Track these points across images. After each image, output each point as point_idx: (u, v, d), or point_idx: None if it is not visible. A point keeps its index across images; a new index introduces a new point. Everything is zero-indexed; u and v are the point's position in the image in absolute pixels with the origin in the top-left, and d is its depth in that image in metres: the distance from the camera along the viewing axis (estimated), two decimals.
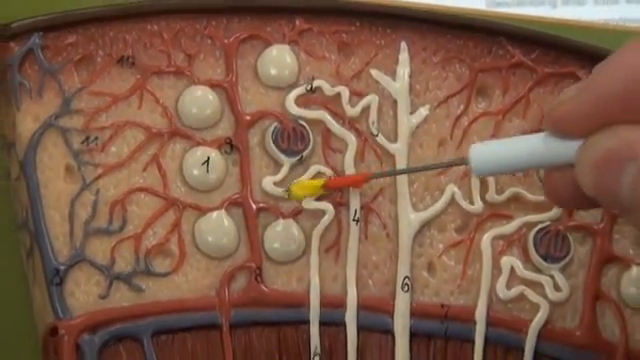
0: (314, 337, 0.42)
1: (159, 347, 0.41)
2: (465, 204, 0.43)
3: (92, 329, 0.40)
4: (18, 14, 0.41)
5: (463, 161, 0.37)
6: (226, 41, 0.43)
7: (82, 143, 0.41)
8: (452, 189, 0.43)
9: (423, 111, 0.44)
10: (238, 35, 0.43)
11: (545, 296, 0.43)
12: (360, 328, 0.42)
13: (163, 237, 0.41)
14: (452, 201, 0.44)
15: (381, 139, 0.43)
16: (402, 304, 0.42)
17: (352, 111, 0.43)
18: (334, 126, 0.43)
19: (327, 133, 0.43)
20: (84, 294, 0.41)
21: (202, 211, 0.42)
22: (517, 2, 0.55)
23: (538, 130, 0.40)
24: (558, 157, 0.35)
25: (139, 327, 0.41)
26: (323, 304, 0.42)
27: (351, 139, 0.43)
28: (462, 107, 0.44)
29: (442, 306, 0.43)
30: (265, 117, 0.43)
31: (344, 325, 0.42)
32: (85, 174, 0.41)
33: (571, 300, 0.44)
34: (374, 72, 0.44)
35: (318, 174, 0.42)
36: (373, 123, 0.43)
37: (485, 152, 0.36)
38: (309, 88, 0.43)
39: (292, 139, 0.42)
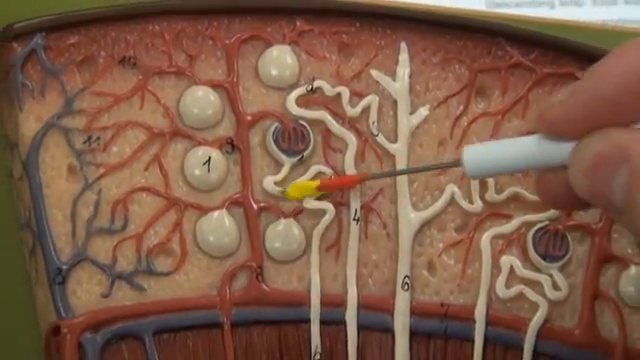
0: (315, 336, 0.42)
1: (161, 346, 0.41)
2: (465, 204, 0.44)
3: (94, 328, 0.40)
4: (20, 15, 0.42)
5: (457, 163, 0.37)
6: (227, 42, 0.43)
7: (84, 143, 0.41)
8: (452, 189, 0.44)
9: (423, 111, 0.44)
10: (239, 36, 0.43)
11: (544, 295, 0.43)
12: (360, 327, 0.42)
13: (165, 236, 0.42)
14: (452, 201, 0.44)
15: (381, 139, 0.43)
16: (402, 303, 0.43)
17: (352, 111, 0.43)
18: (334, 126, 0.43)
19: (327, 133, 0.43)
20: (86, 293, 0.41)
21: (203, 211, 0.42)
22: (516, 3, 0.55)
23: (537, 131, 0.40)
24: (551, 159, 0.35)
25: (141, 326, 0.41)
26: (324, 303, 0.42)
27: (351, 139, 0.43)
28: (462, 107, 0.44)
29: (442, 305, 0.43)
30: (266, 117, 0.43)
31: (344, 324, 0.42)
32: (87, 174, 0.41)
33: (570, 299, 0.44)
34: (374, 72, 0.44)
35: (318, 174, 0.43)
36: (373, 123, 0.43)
37: (478, 154, 0.36)
38: (310, 88, 0.43)
39: (293, 139, 0.43)
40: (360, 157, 0.43)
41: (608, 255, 0.44)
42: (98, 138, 0.42)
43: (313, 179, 0.42)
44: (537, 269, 0.44)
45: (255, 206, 0.42)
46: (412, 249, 0.43)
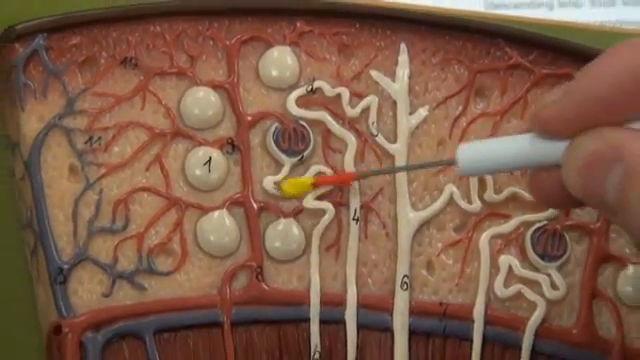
0: (314, 335, 0.42)
1: (161, 345, 0.41)
2: (463, 204, 0.44)
3: (95, 327, 0.40)
4: (22, 16, 0.42)
5: (451, 161, 0.37)
6: (228, 42, 0.43)
7: (86, 143, 0.42)
8: (451, 189, 0.44)
9: (422, 112, 0.44)
10: (240, 37, 0.43)
11: (542, 294, 0.43)
12: (360, 326, 0.42)
13: (165, 236, 0.42)
14: (451, 201, 0.44)
15: (381, 139, 0.43)
16: (401, 302, 0.43)
17: (352, 112, 0.43)
18: (334, 126, 0.43)
19: (327, 133, 0.43)
20: (87, 292, 0.41)
21: (204, 210, 0.42)
22: (515, 4, 0.55)
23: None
24: (545, 157, 0.35)
25: (142, 325, 0.41)
26: (323, 302, 0.42)
27: (351, 139, 0.43)
28: (461, 108, 0.44)
29: (441, 304, 0.43)
30: (266, 118, 0.43)
31: (344, 323, 0.42)
32: (88, 174, 0.41)
33: (568, 298, 0.44)
34: (374, 73, 0.44)
35: (318, 174, 0.43)
36: (373, 123, 0.43)
37: (472, 152, 0.36)
38: (310, 89, 0.43)
39: (293, 139, 0.43)
40: (360, 157, 0.43)
41: (606, 255, 0.44)
42: (99, 138, 0.42)
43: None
44: (535, 269, 0.44)
45: (255, 206, 0.42)
46: (411, 249, 0.43)
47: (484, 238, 0.44)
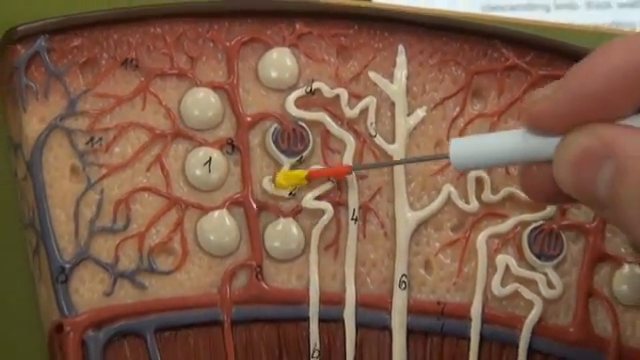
0: (313, 333, 0.42)
1: (162, 343, 0.41)
2: (461, 203, 0.44)
3: (97, 326, 0.40)
4: (23, 18, 0.42)
5: (445, 155, 0.37)
6: (228, 44, 0.43)
7: (87, 144, 0.42)
8: (448, 189, 0.44)
9: (420, 113, 0.44)
10: (239, 38, 0.43)
11: (539, 293, 0.44)
12: (358, 325, 0.43)
13: (166, 236, 0.42)
14: (448, 200, 0.44)
15: (379, 140, 0.44)
16: (399, 301, 0.43)
17: (351, 113, 0.43)
18: (333, 127, 0.43)
19: (326, 134, 0.43)
20: (89, 291, 0.41)
21: (204, 210, 0.42)
22: (511, 6, 0.55)
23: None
24: (537, 153, 0.35)
25: (142, 324, 0.41)
26: (322, 301, 0.42)
27: (350, 140, 0.43)
28: (458, 109, 0.45)
29: (438, 303, 0.43)
30: (266, 118, 0.43)
31: (343, 322, 0.42)
32: (90, 174, 0.42)
33: (564, 297, 0.44)
34: (372, 74, 0.44)
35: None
36: (371, 124, 0.44)
37: (465, 147, 0.36)
38: (309, 90, 0.43)
39: (292, 140, 0.43)
40: (358, 157, 0.43)
41: (602, 254, 0.44)
42: (100, 139, 0.42)
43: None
44: (532, 268, 0.44)
45: (255, 206, 0.43)
46: (409, 248, 0.43)
47: (481, 238, 0.44)
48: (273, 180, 0.42)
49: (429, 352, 0.43)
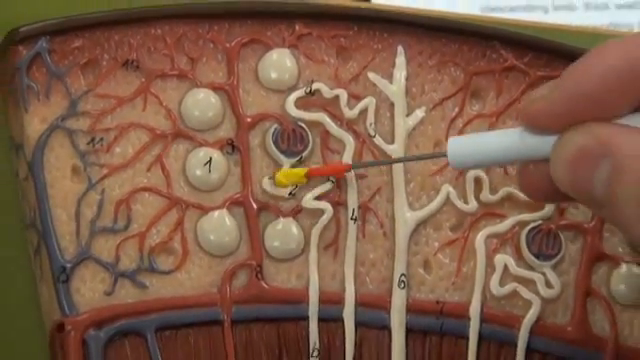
0: (313, 333, 0.42)
1: (162, 342, 0.41)
2: (460, 203, 0.44)
3: (98, 325, 0.41)
4: (25, 19, 0.42)
5: (443, 154, 0.37)
6: (228, 45, 0.43)
7: (88, 144, 0.42)
8: (447, 189, 0.44)
9: (419, 113, 0.44)
10: (239, 39, 0.44)
11: (537, 293, 0.44)
12: (358, 324, 0.43)
13: (166, 235, 0.42)
14: (447, 201, 0.44)
15: (378, 140, 0.44)
16: (398, 301, 0.43)
17: (350, 113, 0.44)
18: (333, 128, 0.43)
19: (326, 134, 0.43)
20: (90, 291, 0.41)
21: (204, 210, 0.42)
22: (510, 8, 0.55)
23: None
24: (534, 152, 0.35)
25: (143, 323, 0.41)
26: (322, 301, 0.42)
27: (349, 140, 0.43)
28: (457, 109, 0.45)
29: (437, 302, 0.43)
30: (266, 119, 0.43)
31: (342, 321, 0.43)
32: (91, 174, 0.42)
33: (562, 297, 0.44)
34: (371, 75, 0.44)
35: None
36: (371, 125, 0.44)
37: (463, 145, 0.36)
38: (308, 91, 0.44)
39: (292, 140, 0.43)
40: (358, 158, 0.43)
41: (600, 254, 0.45)
42: (101, 139, 0.42)
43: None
44: (530, 267, 0.44)
45: (255, 206, 0.43)
46: (408, 248, 0.44)
47: (480, 237, 0.44)
48: (273, 178, 0.43)
49: (428, 351, 0.43)
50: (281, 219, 0.43)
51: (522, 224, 0.44)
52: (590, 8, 0.56)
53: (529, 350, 0.44)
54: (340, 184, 0.43)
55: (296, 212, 0.43)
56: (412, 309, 0.43)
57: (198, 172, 0.42)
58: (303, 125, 0.43)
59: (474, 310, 0.43)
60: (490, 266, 0.44)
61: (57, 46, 0.42)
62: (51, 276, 0.41)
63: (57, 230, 0.41)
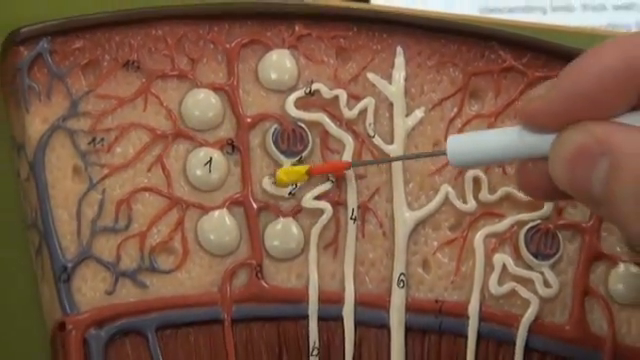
0: (313, 332, 0.42)
1: (163, 341, 0.41)
2: (459, 203, 0.44)
3: (99, 324, 0.41)
4: (26, 20, 0.42)
5: (443, 152, 0.37)
6: (228, 46, 0.44)
7: (89, 144, 0.42)
8: (446, 189, 0.44)
9: (418, 113, 0.45)
10: (239, 40, 0.44)
11: (535, 292, 0.44)
12: (357, 323, 0.43)
13: (167, 235, 0.42)
14: (446, 200, 0.44)
15: (378, 140, 0.44)
16: (398, 300, 0.43)
17: (350, 113, 0.44)
18: (332, 128, 0.44)
19: (325, 135, 0.44)
20: (91, 290, 0.41)
21: (205, 210, 0.42)
22: (509, 9, 0.55)
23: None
24: (533, 150, 0.35)
25: (144, 322, 0.41)
26: (321, 300, 0.43)
27: (348, 140, 0.44)
28: (456, 109, 0.45)
29: (436, 301, 0.43)
30: (266, 119, 0.43)
31: (342, 320, 0.43)
32: (92, 174, 0.42)
33: (561, 296, 0.44)
34: (371, 76, 0.44)
35: None
36: (370, 125, 0.44)
37: (462, 143, 0.37)
38: (308, 91, 0.44)
39: (292, 140, 0.43)
40: (357, 158, 0.44)
41: (598, 253, 0.45)
42: (102, 139, 0.42)
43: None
44: (529, 267, 0.44)
45: (255, 206, 0.43)
46: (407, 247, 0.44)
47: (479, 237, 0.44)
48: (274, 176, 0.43)
49: (427, 350, 0.43)
50: (281, 219, 0.43)
51: (520, 224, 0.44)
52: (588, 9, 0.56)
53: (527, 349, 0.44)
54: (340, 184, 0.43)
55: (296, 212, 0.43)
56: (411, 308, 0.43)
57: (198, 172, 0.42)
58: (303, 125, 0.43)
59: (473, 309, 0.44)
60: (489, 265, 0.44)
61: (58, 47, 0.42)
62: (52, 275, 0.41)
63: (58, 230, 0.41)
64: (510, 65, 0.45)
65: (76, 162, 0.42)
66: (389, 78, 0.45)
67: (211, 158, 0.42)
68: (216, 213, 0.42)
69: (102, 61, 0.43)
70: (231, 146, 0.43)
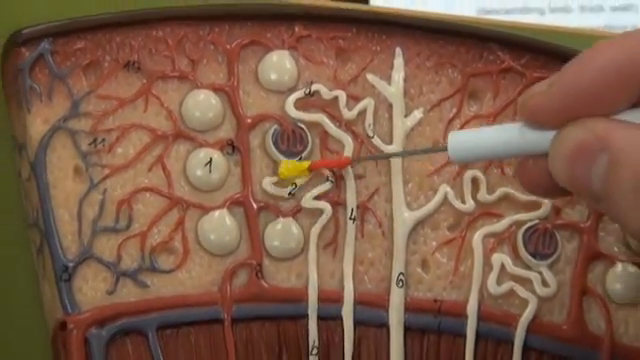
0: (312, 331, 0.43)
1: (164, 341, 0.41)
2: (457, 203, 0.44)
3: (100, 323, 0.41)
4: (28, 21, 0.42)
5: (443, 147, 0.37)
6: (228, 47, 0.44)
7: (90, 145, 0.42)
8: (445, 189, 0.44)
9: (417, 114, 0.45)
10: (240, 41, 0.44)
11: (534, 292, 0.44)
12: (357, 322, 0.43)
13: (167, 235, 0.42)
14: (445, 200, 0.44)
15: (377, 141, 0.44)
16: (397, 299, 0.43)
17: (349, 114, 0.44)
18: (332, 128, 0.44)
19: (325, 135, 0.44)
20: (92, 290, 0.41)
21: (205, 210, 0.43)
22: (507, 10, 0.56)
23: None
24: (533, 146, 0.35)
25: (144, 321, 0.41)
26: (321, 299, 0.43)
27: (348, 141, 0.44)
28: (454, 110, 0.45)
29: (435, 301, 0.44)
30: (265, 120, 0.44)
31: (341, 319, 0.43)
32: (93, 174, 0.42)
33: (559, 295, 0.44)
34: (370, 77, 0.45)
35: (317, 173, 0.43)
36: (369, 125, 0.44)
37: (463, 140, 0.37)
38: (308, 92, 0.44)
39: (291, 141, 0.43)
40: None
41: (595, 253, 0.45)
42: (103, 140, 0.42)
43: (313, 178, 0.43)
44: (527, 267, 0.44)
45: (255, 206, 0.43)
46: (406, 247, 0.44)
47: (477, 237, 0.44)
48: (276, 171, 0.43)
49: (426, 349, 0.44)
50: (281, 219, 0.43)
51: (519, 224, 0.45)
52: (585, 10, 0.56)
53: (526, 348, 0.44)
54: (339, 184, 0.44)
55: (296, 212, 0.43)
56: (410, 307, 0.44)
57: (199, 172, 0.43)
58: (302, 126, 0.44)
59: (471, 309, 0.44)
60: (487, 265, 0.44)
61: (59, 48, 0.42)
62: (53, 275, 0.41)
63: (59, 230, 0.41)
64: (509, 66, 0.45)
65: (77, 162, 0.42)
66: (388, 79, 0.45)
67: (211, 158, 0.43)
68: (216, 213, 0.43)
69: (103, 62, 0.43)
70: (231, 146, 0.43)
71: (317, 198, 0.43)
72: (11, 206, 0.44)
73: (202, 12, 0.44)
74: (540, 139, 0.35)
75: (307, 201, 0.43)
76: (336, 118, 0.44)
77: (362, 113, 0.44)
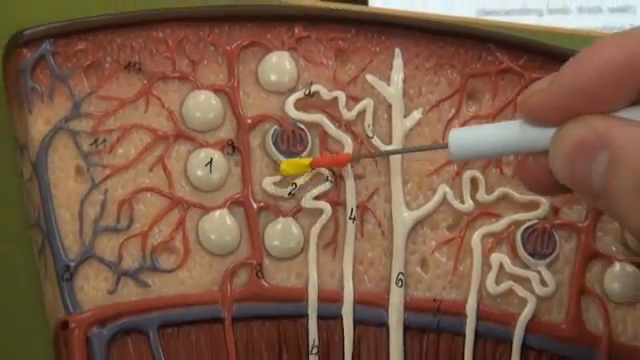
0: (312, 330, 0.43)
1: (165, 340, 0.42)
2: (456, 203, 0.45)
3: (101, 323, 0.41)
4: (29, 22, 0.42)
5: (444, 145, 0.37)
6: (228, 48, 0.44)
7: (91, 145, 0.42)
8: (444, 189, 0.45)
9: (416, 114, 0.45)
10: (240, 42, 0.44)
11: (532, 291, 0.44)
12: (356, 321, 0.43)
13: (168, 235, 0.42)
14: (444, 200, 0.44)
15: (376, 141, 0.44)
16: (396, 298, 0.43)
17: (348, 114, 0.44)
18: (331, 129, 0.44)
19: (325, 135, 0.44)
20: (93, 289, 0.41)
21: (205, 210, 0.43)
22: (505, 11, 0.56)
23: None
24: (533, 144, 0.35)
25: (145, 321, 0.41)
26: (321, 299, 0.43)
27: (347, 141, 0.44)
28: (453, 111, 0.45)
29: (434, 300, 0.44)
30: (265, 120, 0.44)
31: (341, 319, 0.43)
32: (94, 175, 0.42)
33: (557, 295, 0.45)
34: (369, 77, 0.45)
35: (317, 174, 0.43)
36: (369, 126, 0.44)
37: (464, 137, 0.37)
38: (307, 93, 0.44)
39: (291, 141, 0.43)
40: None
41: (593, 252, 0.45)
42: (104, 140, 0.42)
43: (312, 178, 0.43)
44: (526, 266, 0.45)
45: (255, 206, 0.43)
46: (406, 247, 0.44)
47: (476, 237, 0.44)
48: (278, 167, 0.43)
49: (425, 348, 0.44)
50: (281, 219, 0.43)
51: (517, 223, 0.45)
52: (584, 11, 0.56)
53: (524, 347, 0.44)
54: (339, 184, 0.44)
55: (295, 212, 0.43)
56: (410, 307, 0.44)
57: (199, 172, 0.43)
58: (302, 126, 0.44)
59: (470, 308, 0.44)
60: (486, 265, 0.44)
61: (61, 49, 0.42)
62: (55, 275, 0.41)
63: (61, 229, 0.42)
64: (507, 67, 0.46)
65: (78, 163, 0.42)
66: (387, 80, 0.45)
67: (212, 159, 0.43)
68: (217, 213, 0.43)
69: (104, 63, 0.43)
70: (231, 147, 0.43)
71: (317, 198, 0.43)
72: (13, 206, 0.45)
73: (202, 13, 0.44)
74: (540, 136, 0.35)
75: (307, 201, 0.43)
76: (336, 118, 0.44)
77: (361, 114, 0.44)
